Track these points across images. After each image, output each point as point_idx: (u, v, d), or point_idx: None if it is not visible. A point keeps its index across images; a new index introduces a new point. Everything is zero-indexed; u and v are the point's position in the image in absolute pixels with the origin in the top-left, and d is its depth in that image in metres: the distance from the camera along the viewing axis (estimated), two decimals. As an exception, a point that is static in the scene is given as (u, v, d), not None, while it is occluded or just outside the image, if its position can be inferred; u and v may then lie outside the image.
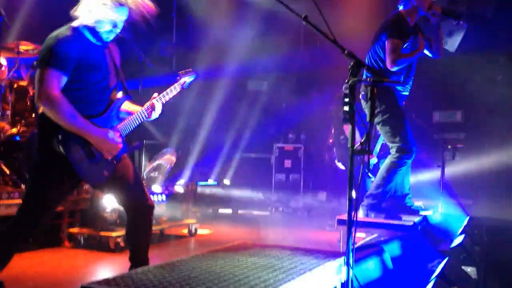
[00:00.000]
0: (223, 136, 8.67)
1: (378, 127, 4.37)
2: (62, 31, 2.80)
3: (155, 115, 3.12)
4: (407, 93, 4.37)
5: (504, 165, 6.99)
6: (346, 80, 2.46)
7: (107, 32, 2.85)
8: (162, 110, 3.18)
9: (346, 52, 2.51)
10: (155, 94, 3.16)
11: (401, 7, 4.28)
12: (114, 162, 2.93)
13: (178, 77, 3.29)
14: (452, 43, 6.51)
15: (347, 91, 2.47)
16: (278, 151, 8.40)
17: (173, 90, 3.21)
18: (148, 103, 3.11)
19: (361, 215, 4.33)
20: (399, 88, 4.26)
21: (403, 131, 4.22)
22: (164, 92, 3.18)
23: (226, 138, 8.72)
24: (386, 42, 4.06)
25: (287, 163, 8.38)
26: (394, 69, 4.04)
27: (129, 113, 3.10)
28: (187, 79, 3.29)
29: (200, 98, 8.31)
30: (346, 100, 2.48)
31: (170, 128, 8.01)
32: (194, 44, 8.64)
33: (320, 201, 8.13)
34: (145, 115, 3.08)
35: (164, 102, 3.17)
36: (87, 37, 2.85)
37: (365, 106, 4.25)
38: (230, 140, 8.72)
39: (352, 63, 2.48)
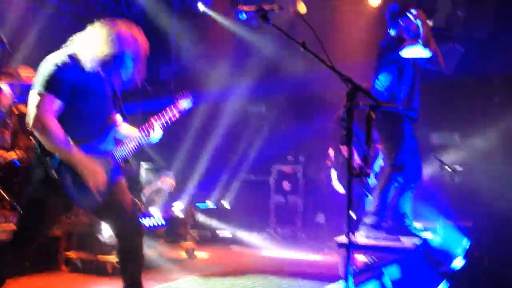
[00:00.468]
0: (221, 159, 8.69)
1: (381, 145, 4.45)
2: (59, 56, 2.79)
3: (154, 136, 3.10)
4: (415, 116, 4.43)
5: (503, 187, 6.99)
6: (344, 105, 2.50)
7: (106, 64, 2.85)
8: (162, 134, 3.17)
9: (343, 77, 2.54)
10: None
11: (392, 32, 4.45)
12: (105, 189, 2.89)
13: (176, 101, 3.29)
14: (449, 66, 6.59)
15: (345, 115, 2.51)
16: (276, 173, 8.40)
17: (171, 112, 3.18)
18: (146, 126, 3.09)
19: (362, 234, 4.36)
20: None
21: (399, 150, 4.29)
22: (162, 114, 3.15)
23: (225, 160, 8.74)
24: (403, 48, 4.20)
25: (286, 185, 8.37)
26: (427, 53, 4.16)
27: (127, 136, 3.09)
28: (184, 102, 3.28)
29: (199, 121, 8.35)
30: (344, 123, 2.52)
31: (169, 151, 8.03)
32: (193, 68, 8.73)
33: (319, 222, 8.10)
34: (144, 137, 3.07)
35: (163, 123, 3.13)
36: (83, 64, 2.83)
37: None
38: (229, 163, 8.74)
39: (349, 88, 2.52)
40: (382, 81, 4.40)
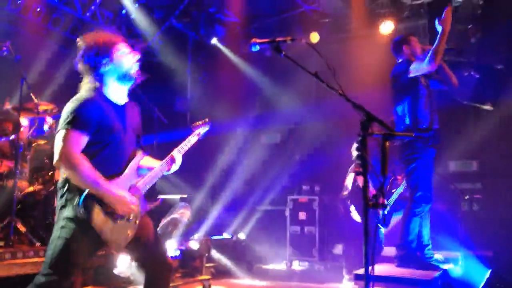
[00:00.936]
0: (237, 190, 8.67)
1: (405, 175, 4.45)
2: (85, 92, 2.86)
3: (175, 167, 3.15)
4: (436, 142, 4.42)
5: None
6: (358, 134, 2.50)
7: (128, 79, 2.93)
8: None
9: (356, 106, 2.55)
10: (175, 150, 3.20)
11: (400, 60, 4.55)
12: (135, 222, 2.92)
13: (193, 128, 3.35)
14: (465, 93, 6.54)
15: (359, 145, 2.50)
16: (292, 203, 8.33)
17: (190, 141, 3.25)
18: (167, 157, 3.14)
19: (394, 267, 4.34)
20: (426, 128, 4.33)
21: (425, 180, 4.27)
22: (182, 144, 3.22)
23: (240, 191, 8.71)
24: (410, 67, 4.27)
25: (302, 215, 8.27)
26: (432, 65, 4.19)
27: (149, 169, 3.11)
28: (201, 130, 3.35)
29: (213, 152, 8.39)
30: (358, 153, 2.51)
31: (185, 182, 8.04)
32: (208, 99, 8.83)
33: (336, 254, 7.97)
34: (165, 169, 3.11)
35: (183, 153, 3.19)
36: (108, 98, 2.91)
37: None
38: (244, 193, 8.71)
39: (363, 117, 2.52)
40: (401, 107, 4.43)
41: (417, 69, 4.28)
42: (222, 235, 7.88)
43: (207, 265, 6.46)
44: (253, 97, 8.47)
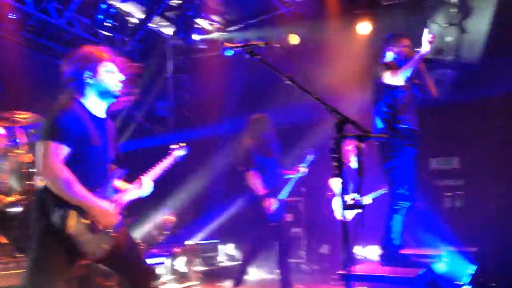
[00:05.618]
0: (222, 193, 8.62)
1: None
2: (65, 103, 2.84)
3: (143, 192, 3.16)
4: (415, 142, 4.46)
5: (506, 211, 6.91)
6: (333, 136, 2.50)
7: (109, 97, 2.95)
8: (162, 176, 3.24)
9: (331, 109, 2.55)
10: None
11: (386, 59, 4.62)
12: (113, 234, 2.90)
13: (170, 151, 3.41)
14: (442, 91, 6.60)
15: (334, 147, 2.50)
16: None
17: (164, 165, 3.31)
18: (136, 182, 3.16)
19: (378, 265, 4.39)
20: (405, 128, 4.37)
21: (404, 178, 4.33)
22: (155, 168, 3.26)
23: (226, 194, 8.67)
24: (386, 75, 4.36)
25: (288, 217, 8.27)
26: (400, 80, 4.31)
27: (119, 190, 3.10)
28: (179, 152, 3.42)
29: (198, 155, 8.33)
30: (334, 155, 2.51)
31: (170, 188, 7.99)
32: (191, 103, 8.80)
33: (323, 254, 7.97)
34: (135, 193, 3.13)
35: (154, 177, 3.22)
36: (89, 110, 2.91)
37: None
38: (229, 197, 8.66)
39: (337, 120, 2.52)
40: (380, 108, 4.46)
41: (392, 80, 4.38)
42: (208, 240, 7.83)
43: (194, 269, 6.42)
44: (237, 100, 8.43)
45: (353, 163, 5.07)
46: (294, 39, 6.90)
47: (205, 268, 6.79)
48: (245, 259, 5.62)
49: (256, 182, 5.24)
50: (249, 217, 5.57)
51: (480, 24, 6.63)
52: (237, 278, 5.45)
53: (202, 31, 8.06)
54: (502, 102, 7.11)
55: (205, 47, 8.11)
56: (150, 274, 3.12)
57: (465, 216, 7.05)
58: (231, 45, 2.76)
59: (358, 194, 2.53)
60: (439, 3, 6.49)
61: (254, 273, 7.39)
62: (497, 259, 6.15)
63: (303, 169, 5.64)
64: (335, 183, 6.14)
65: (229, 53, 2.79)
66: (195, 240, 7.33)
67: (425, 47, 4.21)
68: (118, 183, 3.16)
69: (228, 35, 7.84)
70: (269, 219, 5.23)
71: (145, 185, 3.17)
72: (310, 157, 5.72)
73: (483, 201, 7.11)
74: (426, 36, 4.21)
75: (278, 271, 5.51)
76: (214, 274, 7.27)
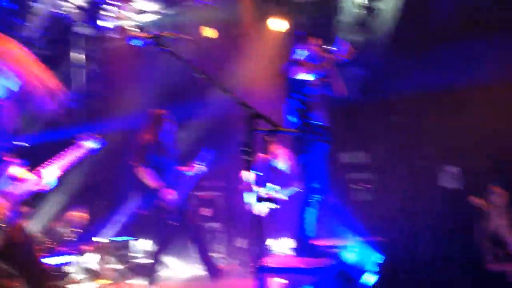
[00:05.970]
0: (135, 188, 8.37)
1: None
2: None
3: (43, 185, 3.00)
4: (326, 133, 4.59)
5: (409, 203, 7.36)
6: (245, 130, 2.51)
7: None
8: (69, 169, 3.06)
9: (242, 103, 2.56)
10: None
11: (296, 56, 4.74)
12: (5, 230, 2.73)
13: (77, 143, 3.22)
14: (352, 89, 6.88)
15: (245, 141, 2.51)
16: (196, 200, 8.23)
17: (70, 156, 3.13)
18: (36, 174, 2.98)
19: (292, 258, 4.45)
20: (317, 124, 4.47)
21: (316, 172, 4.43)
22: (59, 161, 3.09)
23: (138, 189, 8.43)
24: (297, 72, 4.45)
25: (206, 212, 8.23)
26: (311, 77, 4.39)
27: (19, 180, 2.92)
28: (89, 144, 3.23)
29: (111, 150, 8.04)
30: (244, 149, 2.52)
31: (81, 182, 7.66)
32: (102, 94, 8.45)
33: (241, 248, 8.01)
34: (33, 186, 2.95)
35: (58, 170, 3.05)
36: None
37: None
38: (145, 191, 8.44)
39: (248, 114, 2.53)
40: (292, 104, 4.55)
41: (303, 76, 4.47)
42: (122, 236, 7.59)
43: (106, 267, 6.21)
44: (151, 92, 8.20)
45: (267, 157, 5.14)
46: (208, 32, 6.82)
47: (119, 266, 6.58)
48: (154, 256, 5.58)
49: (148, 177, 5.23)
50: (150, 214, 5.52)
51: (385, 25, 6.96)
52: (150, 276, 5.40)
53: (113, 19, 7.71)
54: (405, 100, 7.55)
55: (117, 36, 7.76)
56: (47, 274, 3.03)
57: (373, 208, 7.41)
58: (139, 34, 2.68)
59: (271, 187, 2.56)
60: (348, 2, 6.73)
61: (186, 270, 7.28)
62: (402, 248, 6.52)
63: (200, 167, 5.68)
64: (247, 177, 6.20)
65: (136, 42, 2.70)
66: (108, 237, 7.08)
67: (340, 53, 4.38)
68: (17, 172, 2.95)
69: (141, 24, 7.56)
70: (167, 213, 5.26)
71: (46, 178, 3.01)
72: (207, 155, 5.78)
73: (389, 193, 7.52)
74: (346, 45, 4.38)
75: (200, 261, 5.57)
76: (129, 272, 7.08)
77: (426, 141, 7.43)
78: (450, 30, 6.93)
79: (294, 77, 4.48)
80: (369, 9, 6.71)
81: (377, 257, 5.58)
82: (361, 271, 5.09)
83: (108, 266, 6.29)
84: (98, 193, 8.10)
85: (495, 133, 6.52)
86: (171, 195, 5.30)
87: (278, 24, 7.29)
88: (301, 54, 4.69)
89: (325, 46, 4.42)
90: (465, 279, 5.01)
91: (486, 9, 6.89)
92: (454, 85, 7.18)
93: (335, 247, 4.89)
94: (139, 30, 6.27)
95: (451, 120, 7.18)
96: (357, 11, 6.65)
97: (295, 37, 4.85)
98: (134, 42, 2.70)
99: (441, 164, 7.53)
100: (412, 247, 6.96)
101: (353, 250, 5.39)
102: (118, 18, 7.97)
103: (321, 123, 4.56)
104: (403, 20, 7.04)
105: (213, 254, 7.78)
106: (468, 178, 7.24)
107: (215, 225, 8.15)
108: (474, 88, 7.06)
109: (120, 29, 7.88)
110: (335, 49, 4.41)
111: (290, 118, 4.60)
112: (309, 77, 4.43)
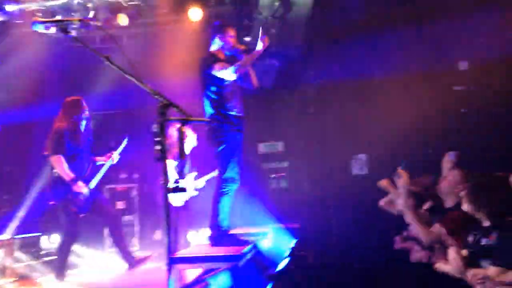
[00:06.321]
0: (42, 181, 7.95)
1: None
2: None
3: None
4: (241, 123, 4.62)
5: (318, 189, 7.67)
6: (156, 120, 2.48)
7: None
8: None
9: (154, 92, 2.52)
10: None
11: (213, 47, 4.73)
12: None
13: None
14: (268, 80, 7.04)
15: (157, 130, 2.48)
16: (109, 193, 8.00)
17: None
18: None
19: (208, 247, 4.49)
20: (233, 115, 4.50)
21: (231, 162, 4.50)
22: None
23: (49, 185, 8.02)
24: (214, 68, 4.41)
25: (120, 205, 8.03)
26: (229, 75, 4.42)
27: None
28: None
29: (15, 143, 7.58)
30: (157, 139, 2.49)
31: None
32: (4, 84, 7.87)
33: (156, 240, 7.92)
34: None
35: None
36: None
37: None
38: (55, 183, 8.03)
39: (160, 103, 2.50)
40: (208, 95, 4.54)
41: (220, 74, 4.47)
42: (28, 233, 7.19)
43: (12, 266, 5.88)
44: (59, 81, 7.80)
45: (181, 146, 5.10)
46: (122, 20, 6.58)
47: (26, 263, 6.25)
48: (60, 250, 5.32)
49: (63, 167, 5.02)
50: (57, 206, 5.28)
51: (300, 17, 7.14)
52: (58, 271, 5.17)
53: (18, 2, 7.16)
54: (315, 90, 7.84)
55: (22, 21, 7.24)
56: None
57: (288, 196, 7.63)
58: (42, 19, 2.54)
59: (181, 177, 2.55)
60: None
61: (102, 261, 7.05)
62: (313, 231, 6.78)
63: (116, 156, 5.59)
64: (161, 167, 6.14)
65: (38, 27, 2.55)
66: (11, 233, 6.69)
67: (259, 46, 4.42)
68: None
69: (46, 8, 7.07)
70: (78, 205, 5.09)
71: None
72: (123, 144, 5.69)
73: (304, 181, 7.78)
74: (260, 35, 4.42)
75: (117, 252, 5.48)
76: (37, 268, 6.75)
77: (337, 130, 7.75)
78: (360, 23, 7.25)
79: (210, 68, 4.47)
80: (285, 1, 6.83)
81: (290, 242, 5.77)
82: (275, 258, 5.23)
83: (12, 264, 5.95)
84: (2, 187, 7.60)
85: (400, 121, 6.93)
86: (83, 186, 5.11)
87: (197, 14, 7.20)
88: (218, 45, 4.68)
89: (242, 37, 4.46)
90: (377, 261, 5.27)
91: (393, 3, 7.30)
92: (364, 76, 7.55)
93: (252, 234, 4.97)
94: (41, 15, 5.88)
95: (362, 109, 7.56)
96: (273, 3, 6.74)
97: (213, 27, 4.82)
98: (36, 27, 2.55)
99: (351, 152, 7.92)
100: (324, 231, 7.26)
101: (268, 237, 5.53)
102: (22, 1, 7.44)
103: (237, 114, 4.59)
104: (317, 13, 7.25)
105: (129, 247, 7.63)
106: (376, 164, 7.67)
107: (130, 217, 7.98)
108: (382, 79, 7.48)
109: (24, 14, 7.36)
110: (250, 39, 4.46)
111: (207, 109, 4.59)
112: (228, 75, 4.41)
